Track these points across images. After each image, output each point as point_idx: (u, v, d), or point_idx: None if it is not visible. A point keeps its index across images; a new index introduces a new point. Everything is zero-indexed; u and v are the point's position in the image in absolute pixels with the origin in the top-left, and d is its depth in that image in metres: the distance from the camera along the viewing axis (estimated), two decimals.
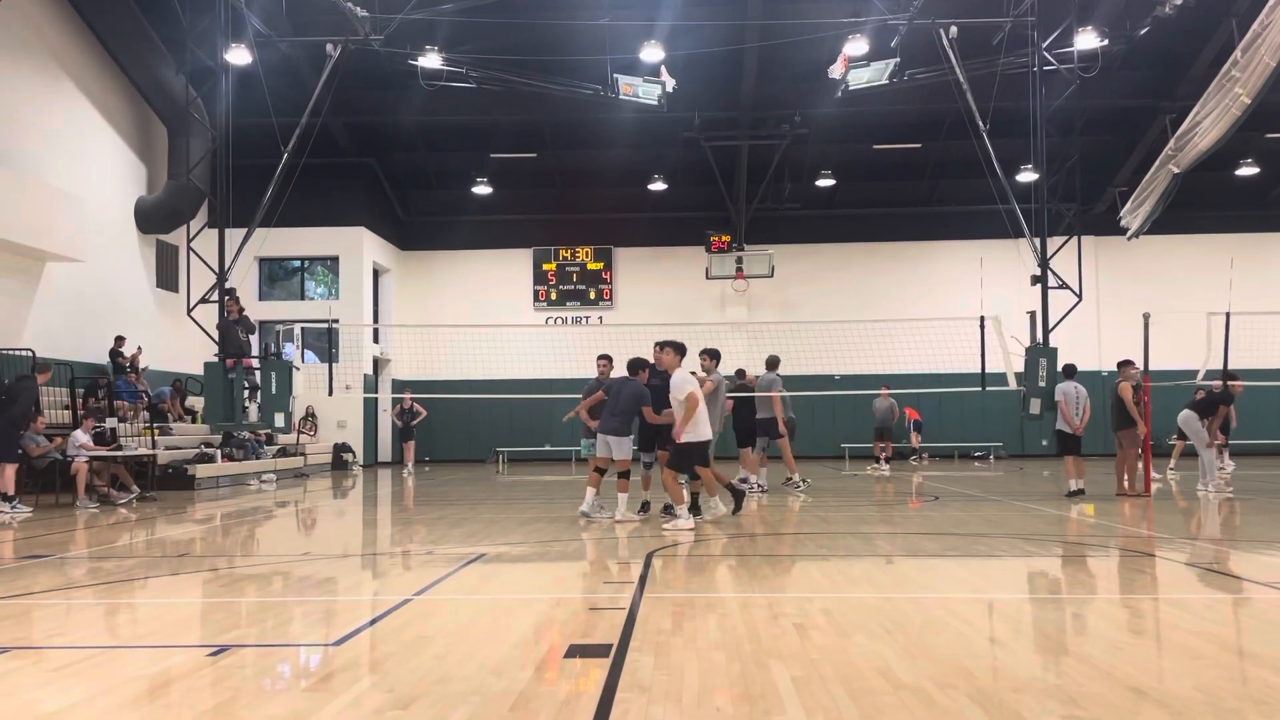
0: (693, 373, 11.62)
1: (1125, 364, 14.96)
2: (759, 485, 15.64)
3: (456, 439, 28.89)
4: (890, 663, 4.74)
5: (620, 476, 11.55)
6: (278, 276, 28.84)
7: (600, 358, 12.79)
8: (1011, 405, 17.65)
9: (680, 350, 11.00)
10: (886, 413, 23.00)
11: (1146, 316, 15.26)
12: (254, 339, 20.00)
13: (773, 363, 16.19)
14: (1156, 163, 17.39)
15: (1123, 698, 4.15)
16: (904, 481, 18.91)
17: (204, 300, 17.96)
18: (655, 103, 20.66)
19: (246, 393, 17.30)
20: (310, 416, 25.80)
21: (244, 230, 18.04)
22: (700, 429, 10.79)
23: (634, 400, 11.30)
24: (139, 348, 20.72)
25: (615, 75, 20.37)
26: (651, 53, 20.22)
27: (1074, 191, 21.76)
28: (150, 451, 17.29)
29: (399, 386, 27.60)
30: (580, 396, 12.73)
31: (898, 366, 23.01)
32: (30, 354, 16.27)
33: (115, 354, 19.93)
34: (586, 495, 11.67)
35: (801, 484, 16.11)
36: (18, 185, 17.57)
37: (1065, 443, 14.79)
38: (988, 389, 16.88)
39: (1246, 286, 18.96)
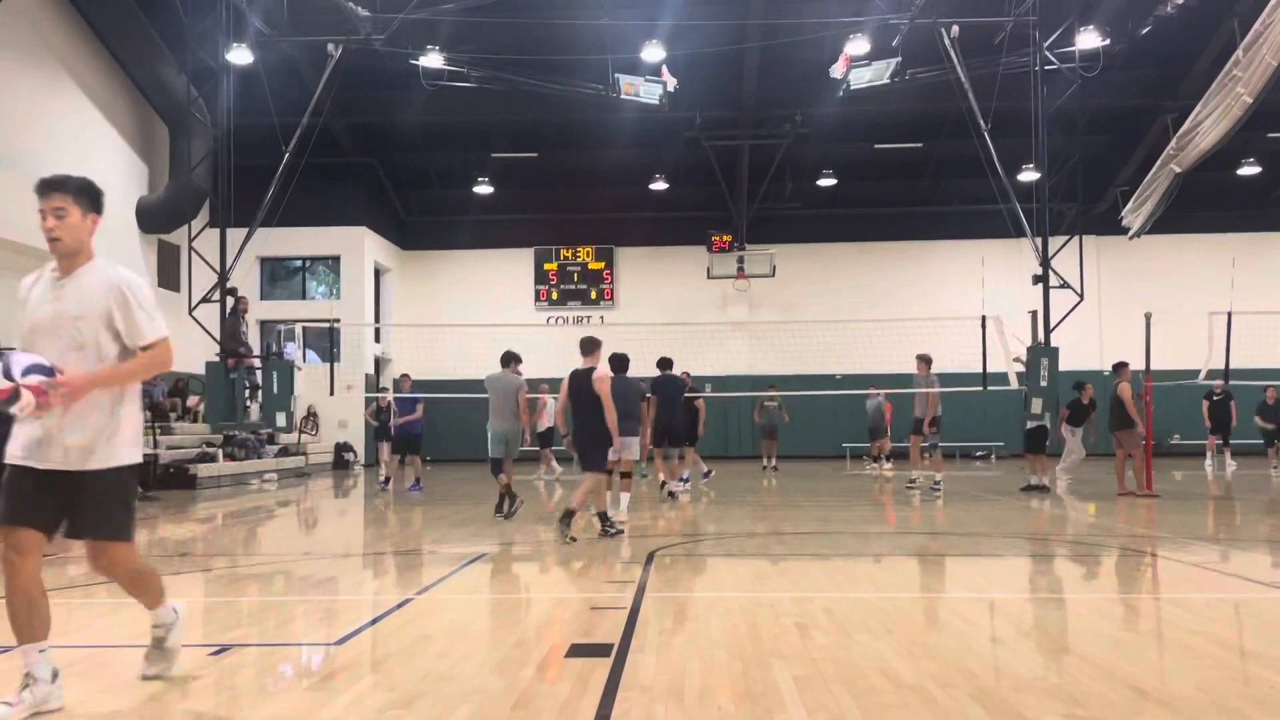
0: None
1: (1121, 366, 14.96)
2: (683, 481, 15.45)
3: (457, 439, 28.83)
4: (892, 662, 4.73)
5: (624, 476, 11.60)
6: (279, 276, 28.85)
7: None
8: (1013, 405, 17.66)
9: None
10: (876, 411, 22.96)
11: (1148, 316, 15.25)
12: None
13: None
14: (1158, 162, 17.37)
15: (1124, 697, 4.15)
16: (902, 481, 18.86)
17: (205, 300, 17.97)
18: (656, 102, 20.65)
19: (248, 392, 17.32)
20: (312, 416, 25.80)
21: (245, 230, 18.05)
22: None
23: (638, 397, 11.61)
24: None
25: (616, 75, 20.36)
26: (653, 52, 20.20)
27: (1075, 191, 21.75)
28: (151, 451, 17.30)
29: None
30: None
31: (899, 366, 22.96)
32: None
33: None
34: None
35: (912, 484, 16.12)
36: (19, 185, 17.51)
37: (1033, 439, 15.45)
38: (989, 389, 16.88)
39: (1248, 286, 18.93)
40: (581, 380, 9.80)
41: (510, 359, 12.51)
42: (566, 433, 10.46)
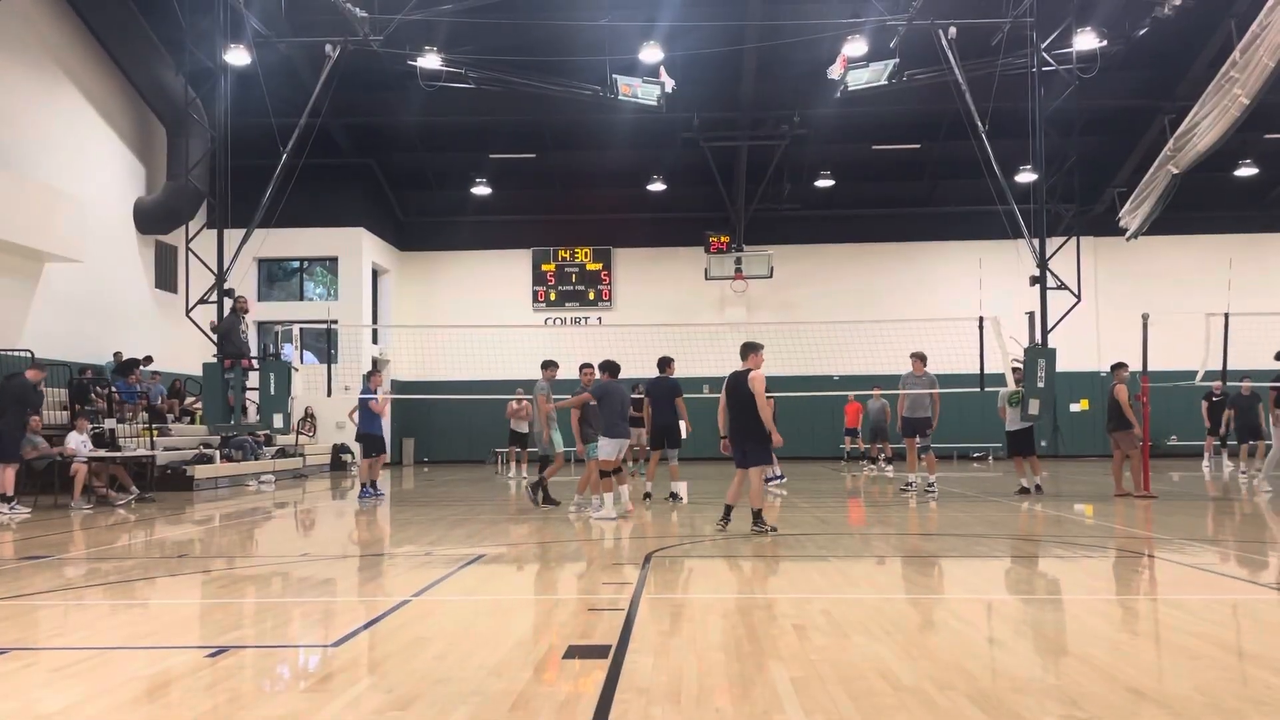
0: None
1: (1119, 366, 14.97)
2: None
3: (456, 440, 28.87)
4: (890, 663, 4.73)
5: (604, 476, 11.90)
6: (277, 277, 28.83)
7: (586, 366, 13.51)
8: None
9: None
10: (879, 413, 23.01)
11: (1145, 317, 15.26)
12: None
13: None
14: (1155, 163, 17.38)
15: (1122, 698, 4.15)
16: (900, 483, 18.85)
17: (203, 301, 17.92)
18: (654, 103, 20.64)
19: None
20: (309, 417, 25.77)
21: (243, 231, 18.02)
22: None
23: (626, 401, 12.33)
24: (148, 358, 20.73)
25: (614, 76, 20.35)
26: (650, 53, 20.21)
27: (1073, 192, 21.68)
28: (149, 452, 17.28)
29: (399, 387, 27.56)
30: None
31: (896, 367, 22.94)
32: (29, 355, 16.29)
33: (128, 368, 19.75)
34: (607, 501, 11.90)
35: (908, 487, 15.96)
36: (17, 186, 17.56)
37: (1020, 442, 15.31)
38: (987, 389, 16.86)
39: (1245, 287, 18.95)
40: (737, 381, 10.30)
41: (544, 365, 13.82)
42: (725, 434, 10.70)
